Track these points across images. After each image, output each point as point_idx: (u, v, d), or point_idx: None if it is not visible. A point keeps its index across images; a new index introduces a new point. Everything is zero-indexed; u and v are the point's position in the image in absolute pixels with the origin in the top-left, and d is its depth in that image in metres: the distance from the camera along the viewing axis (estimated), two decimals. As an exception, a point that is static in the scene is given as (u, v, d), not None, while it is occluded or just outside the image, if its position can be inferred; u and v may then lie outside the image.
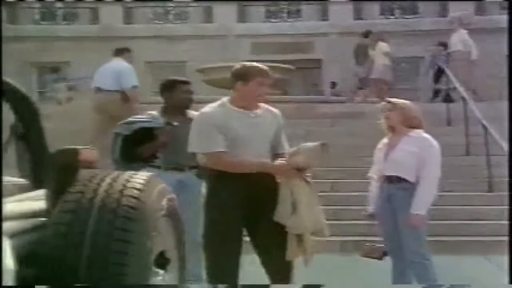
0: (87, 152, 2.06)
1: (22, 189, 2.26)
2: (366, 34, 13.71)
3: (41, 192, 2.15)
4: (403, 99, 4.84)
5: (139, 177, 1.92)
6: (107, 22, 21.33)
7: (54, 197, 1.88)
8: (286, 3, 22.30)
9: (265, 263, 3.82)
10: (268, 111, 3.93)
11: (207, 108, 3.82)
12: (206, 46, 20.19)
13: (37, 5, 22.36)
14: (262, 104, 3.90)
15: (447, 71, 11.45)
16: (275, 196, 3.70)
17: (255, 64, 3.90)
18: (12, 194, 2.12)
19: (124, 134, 4.96)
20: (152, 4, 22.16)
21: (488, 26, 18.29)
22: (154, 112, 5.14)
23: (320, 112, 11.58)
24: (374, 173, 4.75)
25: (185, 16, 22.19)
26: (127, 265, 1.69)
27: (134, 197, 1.80)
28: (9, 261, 1.39)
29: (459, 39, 12.36)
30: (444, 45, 13.57)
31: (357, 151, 8.68)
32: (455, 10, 20.49)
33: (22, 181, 2.35)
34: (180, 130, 4.76)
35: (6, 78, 2.49)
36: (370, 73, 13.45)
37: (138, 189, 1.83)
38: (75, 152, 2.03)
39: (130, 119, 5.15)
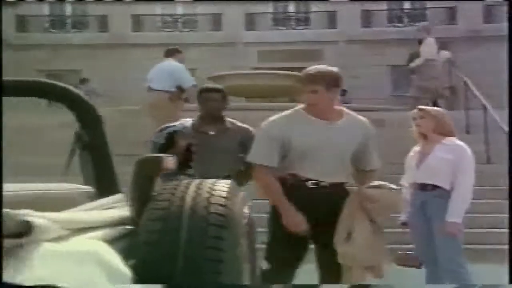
0: (168, 160, 2.08)
1: (89, 197, 2.28)
2: (421, 42, 13.65)
3: (107, 200, 2.16)
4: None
5: (223, 184, 1.92)
6: (116, 30, 21.44)
7: (139, 205, 1.89)
8: (294, 11, 22.41)
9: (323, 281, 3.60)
10: (354, 121, 3.58)
11: (276, 116, 3.57)
12: (215, 53, 20.28)
13: (47, 13, 22.47)
14: (348, 113, 3.59)
15: (467, 79, 11.50)
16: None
17: (306, 70, 3.58)
18: (81, 202, 2.14)
19: (159, 142, 4.94)
20: (160, 12, 22.27)
21: (497, 34, 18.35)
22: (188, 119, 5.08)
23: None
24: (405, 181, 4.76)
25: (194, 24, 22.30)
26: (222, 274, 1.68)
27: (222, 205, 1.79)
28: (124, 267, 1.39)
29: (427, 48, 12.48)
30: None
31: (383, 158, 8.68)
32: (464, 19, 20.61)
33: (89, 188, 2.37)
34: (215, 139, 4.69)
35: (69, 87, 2.51)
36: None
37: (225, 197, 1.83)
38: (159, 160, 2.05)
39: (163, 126, 5.14)
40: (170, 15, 22.39)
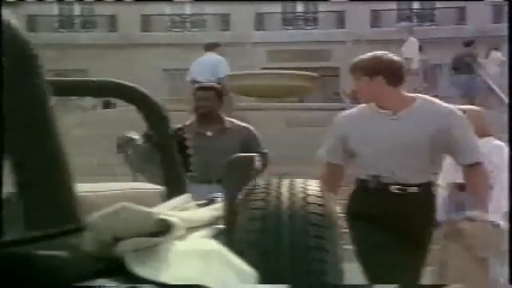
0: (257, 159, 2.09)
1: (161, 197, 2.28)
2: (468, 43, 13.54)
3: (178, 201, 2.16)
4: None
5: (313, 183, 1.91)
6: (125, 30, 21.45)
7: (231, 205, 1.89)
8: (303, 11, 22.44)
9: None
10: (427, 108, 3.14)
11: (347, 111, 3.37)
12: (224, 53, 20.28)
13: (56, 13, 22.51)
14: (424, 99, 3.21)
15: (487, 79, 11.54)
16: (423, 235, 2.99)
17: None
18: (157, 201, 2.13)
19: None
20: (169, 12, 22.30)
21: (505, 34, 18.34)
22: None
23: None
24: (442, 181, 4.73)
25: (202, 24, 22.32)
26: (327, 274, 1.66)
27: (320, 204, 1.78)
28: (247, 267, 1.36)
29: (408, 48, 12.57)
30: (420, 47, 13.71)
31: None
32: (473, 19, 20.61)
33: (161, 188, 2.36)
34: (213, 140, 4.49)
35: (138, 86, 2.51)
36: (477, 82, 13.29)
37: (321, 196, 1.82)
38: (251, 159, 2.05)
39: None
40: (179, 15, 22.40)
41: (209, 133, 4.56)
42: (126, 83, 2.45)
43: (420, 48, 13.73)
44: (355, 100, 15.88)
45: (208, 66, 8.77)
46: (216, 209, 1.97)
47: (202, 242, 1.35)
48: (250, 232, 1.70)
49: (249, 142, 4.57)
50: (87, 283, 1.04)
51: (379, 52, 3.30)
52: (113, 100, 13.77)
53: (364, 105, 3.28)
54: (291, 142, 9.82)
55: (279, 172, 3.70)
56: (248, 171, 2.00)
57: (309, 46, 20.88)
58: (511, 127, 2.77)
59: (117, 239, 1.10)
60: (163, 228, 1.15)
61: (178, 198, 2.19)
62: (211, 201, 2.22)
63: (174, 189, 2.35)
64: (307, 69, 16.65)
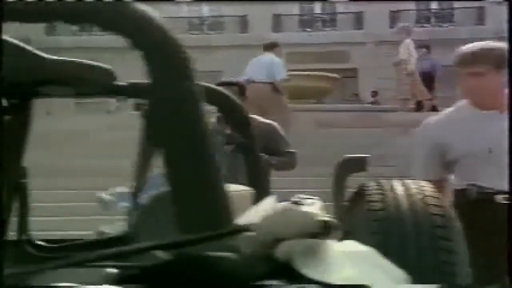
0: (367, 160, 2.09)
1: (252, 198, 2.27)
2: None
3: (268, 202, 2.14)
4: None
5: (425, 184, 1.89)
6: (143, 33, 21.56)
7: (341, 204, 1.88)
8: (321, 12, 22.42)
9: None
10: None
11: (437, 115, 2.99)
12: (242, 55, 20.29)
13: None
14: None
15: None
16: None
17: (461, 48, 2.90)
18: (250, 203, 2.13)
19: None
20: (187, 14, 22.34)
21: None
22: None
23: (390, 121, 11.45)
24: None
25: (220, 26, 22.35)
26: (458, 276, 1.63)
27: (438, 205, 1.75)
28: (395, 267, 1.33)
29: (404, 49, 12.58)
30: (427, 47, 13.63)
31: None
32: (493, 19, 20.52)
33: (250, 189, 2.35)
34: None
35: (218, 88, 2.50)
36: None
37: (436, 197, 1.79)
38: (364, 160, 2.04)
39: None
40: (197, 17, 22.45)
41: (228, 131, 4.36)
42: (208, 84, 2.44)
43: (428, 49, 13.72)
44: (375, 102, 15.88)
45: (264, 67, 8.89)
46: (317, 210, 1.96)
47: (350, 243, 1.34)
48: (371, 234, 1.67)
49: (272, 140, 4.43)
50: (256, 284, 1.04)
51: (486, 42, 2.86)
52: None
53: (453, 107, 2.97)
54: (319, 143, 9.89)
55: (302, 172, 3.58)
56: (360, 172, 1.99)
57: (328, 48, 20.84)
58: (511, 127, 2.64)
59: (277, 240, 1.10)
60: (320, 229, 1.15)
61: (267, 200, 2.18)
62: (295, 203, 2.21)
63: (259, 190, 2.34)
64: (326, 71, 16.63)
